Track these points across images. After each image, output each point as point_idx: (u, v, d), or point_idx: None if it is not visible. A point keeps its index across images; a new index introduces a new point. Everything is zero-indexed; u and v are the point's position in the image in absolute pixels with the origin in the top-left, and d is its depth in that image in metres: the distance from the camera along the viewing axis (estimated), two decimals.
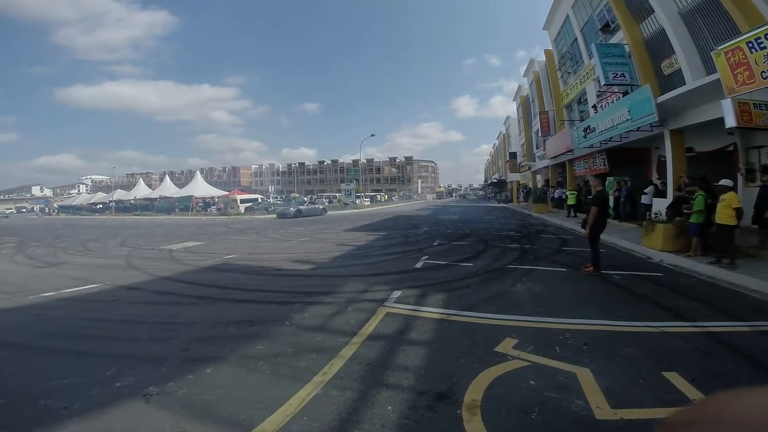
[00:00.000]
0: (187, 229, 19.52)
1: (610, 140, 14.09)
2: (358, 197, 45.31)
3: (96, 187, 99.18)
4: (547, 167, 26.49)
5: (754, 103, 7.53)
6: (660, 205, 10.75)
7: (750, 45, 6.93)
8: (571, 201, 18.23)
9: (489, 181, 73.42)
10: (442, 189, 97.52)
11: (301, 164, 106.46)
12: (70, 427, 2.43)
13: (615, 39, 14.39)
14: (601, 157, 16.93)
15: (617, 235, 10.46)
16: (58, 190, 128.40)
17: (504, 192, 51.22)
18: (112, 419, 2.52)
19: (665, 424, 0.48)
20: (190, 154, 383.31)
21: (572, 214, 18.03)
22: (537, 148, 29.40)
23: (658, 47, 11.94)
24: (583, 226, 6.73)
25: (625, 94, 13.47)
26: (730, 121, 7.60)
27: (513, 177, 40.83)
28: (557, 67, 22.30)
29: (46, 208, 62.02)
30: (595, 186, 6.82)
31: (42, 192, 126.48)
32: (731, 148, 9.94)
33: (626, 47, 12.99)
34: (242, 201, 36.65)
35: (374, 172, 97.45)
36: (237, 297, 5.66)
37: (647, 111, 10.92)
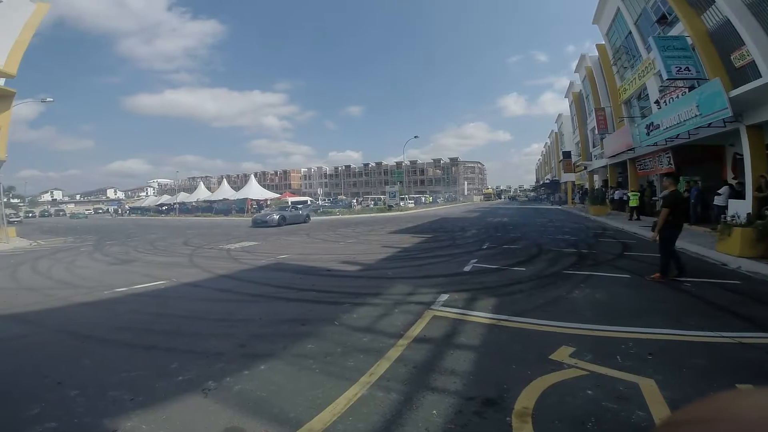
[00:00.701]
0: (243, 229, 20.56)
1: (676, 137, 13.05)
2: (402, 199, 45.37)
3: (161, 189, 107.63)
4: (605, 167, 24.99)
5: None
6: (737, 207, 9.78)
7: None
8: (633, 202, 17.08)
9: (541, 182, 70.57)
10: (490, 190, 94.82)
11: (347, 167, 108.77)
12: (133, 419, 2.56)
13: (674, 31, 13.50)
14: (667, 155, 15.73)
15: (687, 240, 9.61)
16: (129, 192, 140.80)
17: (557, 193, 49.04)
18: (172, 412, 2.65)
19: (665, 424, 0.48)
20: (244, 158, 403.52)
21: (635, 216, 16.87)
22: (594, 147, 27.84)
23: (724, 39, 10.94)
24: (654, 229, 6.25)
25: (691, 88, 12.43)
26: None
27: (567, 177, 39.00)
28: (612, 62, 21.13)
29: (119, 209, 68.55)
30: (668, 186, 6.29)
31: (115, 194, 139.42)
32: None
33: (688, 40, 12.08)
34: (293, 203, 38.21)
35: (418, 174, 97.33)
36: (289, 296, 5.87)
37: (719, 106, 10.01)
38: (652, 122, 14.33)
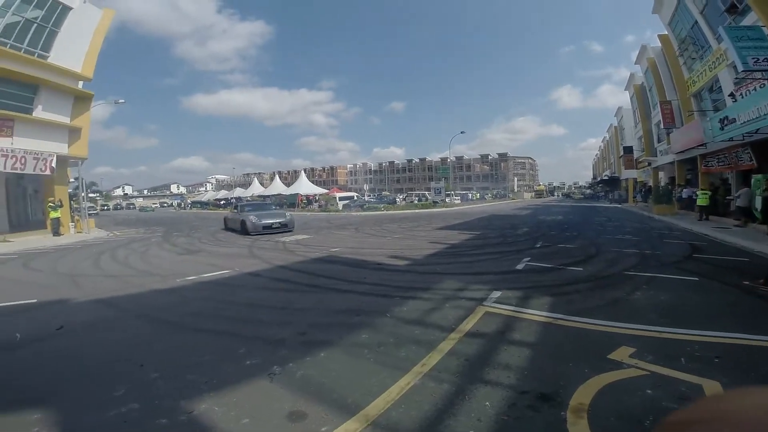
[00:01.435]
0: (296, 223, 21.38)
1: (756, 132, 11.86)
2: (448, 195, 44.85)
3: (219, 185, 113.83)
4: (672, 163, 23.14)
5: None
6: None
7: None
8: (702, 201, 15.74)
9: (598, 179, 66.52)
10: (542, 187, 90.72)
11: (391, 163, 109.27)
12: (207, 402, 2.72)
13: (747, 21, 12.37)
14: (746, 151, 14.29)
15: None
16: (190, 187, 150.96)
17: (617, 190, 46.06)
18: (242, 395, 2.82)
19: (665, 424, 0.48)
20: (294, 155, 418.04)
21: (704, 216, 15.57)
22: (659, 142, 25.89)
23: None
24: None
25: None
26: None
27: (628, 174, 36.51)
28: (677, 53, 19.48)
29: (182, 203, 73.93)
30: None
31: (178, 189, 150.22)
32: None
33: (765, 29, 11.03)
34: (340, 199, 39.30)
35: (464, 170, 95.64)
36: (343, 287, 6.11)
37: None
38: (727, 116, 13.11)
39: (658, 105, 22.48)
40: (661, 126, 22.68)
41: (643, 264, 7.32)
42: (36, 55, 16.50)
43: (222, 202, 56.23)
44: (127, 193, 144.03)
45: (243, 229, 15.15)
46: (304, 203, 42.52)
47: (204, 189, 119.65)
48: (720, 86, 15.76)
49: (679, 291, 5.38)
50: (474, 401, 2.63)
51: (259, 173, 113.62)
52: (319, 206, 38.65)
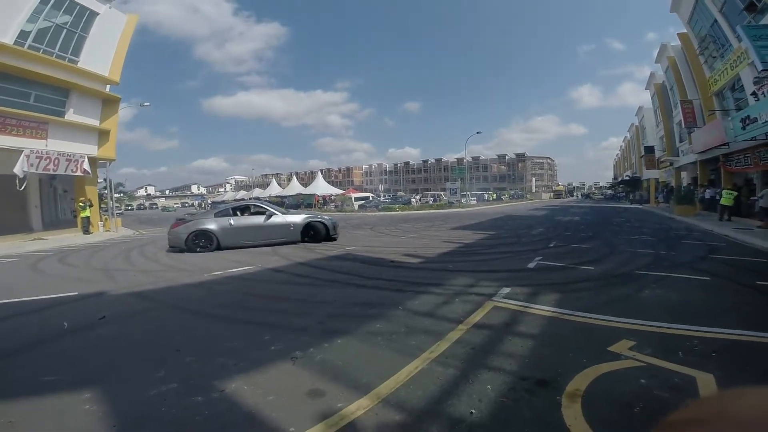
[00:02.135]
0: None
1: None
2: (464, 196, 44.77)
3: (238, 186, 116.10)
4: (694, 163, 22.69)
5: None
6: None
7: None
8: (725, 201, 15.41)
9: (619, 179, 65.16)
10: (560, 187, 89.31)
11: (406, 164, 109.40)
12: (237, 381, 3.00)
13: (767, 20, 12.32)
14: None
15: None
16: (210, 188, 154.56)
17: (638, 191, 45.18)
18: (267, 375, 3.11)
19: (665, 423, 0.47)
20: (311, 156, 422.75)
21: (726, 217, 15.28)
22: (681, 142, 25.37)
23: None
24: None
25: None
26: None
27: (650, 174, 35.79)
28: (698, 52, 19.17)
29: (202, 203, 75.85)
30: None
31: (198, 190, 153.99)
32: None
33: None
34: (356, 199, 39.81)
35: (480, 170, 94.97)
36: (359, 283, 6.40)
37: None
38: (749, 115, 12.90)
39: (679, 104, 22.09)
40: (683, 125, 22.28)
41: (657, 264, 7.37)
42: (67, 59, 17.34)
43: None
44: (149, 194, 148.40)
45: None
46: (321, 203, 43.21)
47: (223, 189, 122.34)
48: (742, 85, 15.48)
49: (689, 290, 5.46)
50: (476, 384, 2.84)
51: (277, 174, 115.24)
52: (335, 206, 39.25)
